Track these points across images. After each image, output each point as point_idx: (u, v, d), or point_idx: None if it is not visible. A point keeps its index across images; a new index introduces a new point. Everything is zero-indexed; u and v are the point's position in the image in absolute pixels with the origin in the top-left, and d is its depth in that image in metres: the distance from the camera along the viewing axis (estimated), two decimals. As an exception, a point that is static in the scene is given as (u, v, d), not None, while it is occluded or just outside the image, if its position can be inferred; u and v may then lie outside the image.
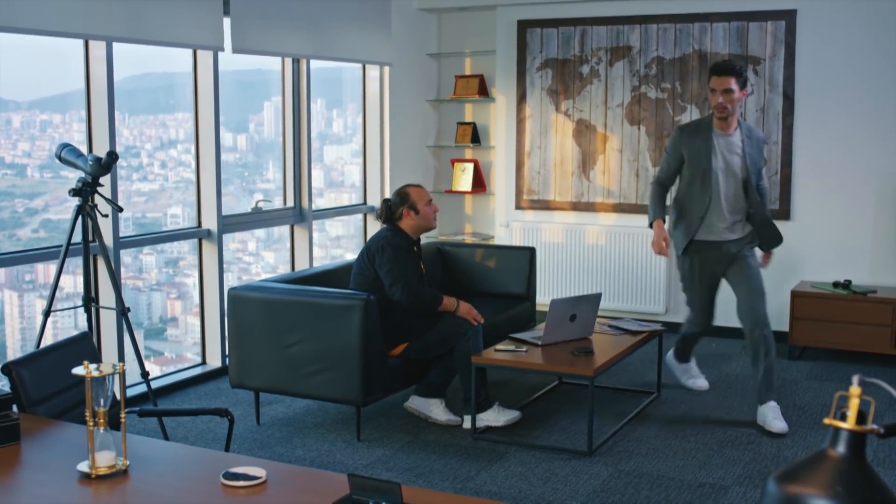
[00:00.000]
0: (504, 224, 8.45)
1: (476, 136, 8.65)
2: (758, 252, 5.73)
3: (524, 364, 5.29)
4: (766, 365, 5.46)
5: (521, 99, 8.26)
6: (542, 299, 7.59)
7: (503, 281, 6.77)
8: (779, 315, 7.37)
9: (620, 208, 8.00)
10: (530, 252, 6.79)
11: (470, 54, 8.62)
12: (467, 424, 5.41)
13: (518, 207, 8.40)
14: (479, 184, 8.65)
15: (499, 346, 5.45)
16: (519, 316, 6.51)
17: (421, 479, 4.73)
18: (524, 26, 8.22)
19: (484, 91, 8.54)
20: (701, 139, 5.48)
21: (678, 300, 7.83)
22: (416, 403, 5.64)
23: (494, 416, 5.43)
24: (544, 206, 8.30)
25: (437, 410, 5.57)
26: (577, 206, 8.17)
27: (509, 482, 4.72)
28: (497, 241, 8.44)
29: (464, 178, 8.63)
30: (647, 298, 7.85)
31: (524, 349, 5.40)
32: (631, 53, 7.86)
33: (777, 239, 5.65)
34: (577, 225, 8.12)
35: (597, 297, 5.73)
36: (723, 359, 7.04)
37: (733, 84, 5.34)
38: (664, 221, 5.62)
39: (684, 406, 5.93)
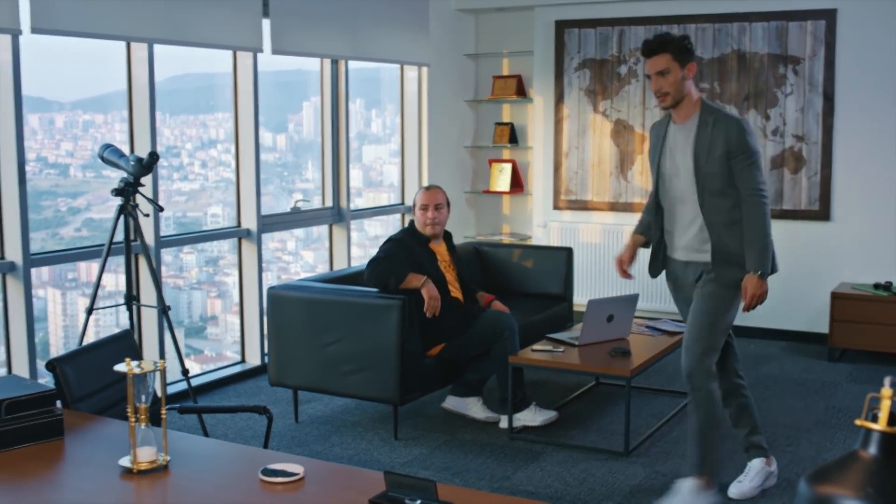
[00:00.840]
0: (542, 224, 8.45)
1: (514, 136, 8.65)
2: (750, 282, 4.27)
3: (561, 364, 5.29)
4: (693, 428, 4.43)
5: (559, 99, 8.26)
6: (580, 299, 7.57)
7: (540, 281, 6.78)
8: (819, 317, 7.32)
9: (658, 209, 7.97)
10: (567, 252, 6.79)
11: (508, 55, 8.63)
12: (504, 424, 5.43)
13: (556, 208, 8.39)
14: (517, 184, 8.65)
15: (536, 347, 5.46)
16: (556, 316, 6.52)
17: (457, 479, 4.75)
18: (562, 26, 8.21)
19: (522, 91, 8.55)
20: (658, 136, 4.50)
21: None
22: (453, 403, 5.66)
23: (531, 416, 5.44)
24: (582, 206, 8.29)
25: (475, 408, 5.60)
26: (615, 207, 8.15)
27: (546, 482, 4.73)
28: (534, 242, 8.44)
29: (501, 179, 8.64)
30: (684, 299, 7.80)
31: (561, 349, 5.41)
32: (669, 53, 7.83)
33: (758, 265, 4.23)
34: (614, 225, 8.10)
35: (634, 298, 5.72)
36: (761, 360, 7.00)
37: (669, 62, 4.26)
38: (642, 237, 4.77)
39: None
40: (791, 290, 7.46)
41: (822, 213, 7.37)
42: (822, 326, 7.19)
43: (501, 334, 5.40)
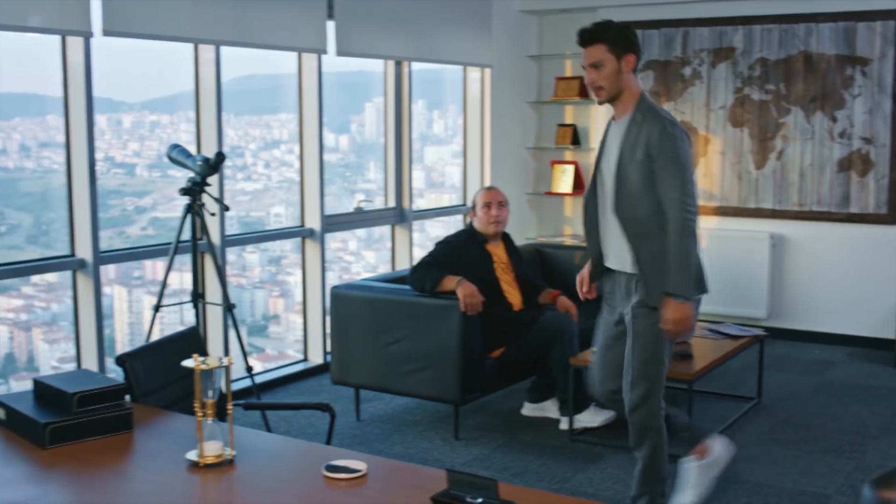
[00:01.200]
0: (603, 226, 8.40)
1: (576, 137, 8.63)
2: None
3: (622, 366, 5.26)
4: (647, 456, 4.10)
5: (622, 101, 8.22)
6: (641, 302, 7.53)
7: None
8: (885, 322, 7.21)
9: (722, 211, 7.91)
10: (629, 254, 6.74)
11: (570, 56, 8.60)
12: (564, 425, 5.42)
13: (617, 209, 8.34)
14: (579, 186, 8.62)
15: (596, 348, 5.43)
16: (617, 318, 6.48)
17: (517, 479, 4.76)
18: (626, 28, 8.17)
19: (584, 93, 8.51)
20: (604, 133, 4.12)
21: (781, 304, 7.72)
22: (530, 410, 5.67)
23: (590, 417, 5.43)
24: (644, 208, 8.24)
25: (552, 410, 5.61)
26: (678, 209, 8.08)
27: (606, 484, 4.72)
28: (596, 244, 8.39)
29: (563, 180, 8.62)
30: (748, 302, 7.73)
31: (622, 351, 5.38)
32: (734, 55, 7.76)
33: (675, 286, 3.81)
34: (677, 228, 8.04)
35: (696, 301, 5.67)
36: (826, 366, 6.90)
37: (604, 53, 3.91)
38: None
39: (786, 413, 5.84)
40: (857, 296, 7.36)
41: (889, 216, 7.25)
42: (889, 332, 7.08)
43: (561, 337, 5.39)
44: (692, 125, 7.95)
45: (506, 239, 5.86)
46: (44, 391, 2.93)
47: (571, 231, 8.80)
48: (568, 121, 8.74)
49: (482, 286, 5.33)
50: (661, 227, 3.82)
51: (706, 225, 7.94)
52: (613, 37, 3.92)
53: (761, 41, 7.64)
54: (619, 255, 3.97)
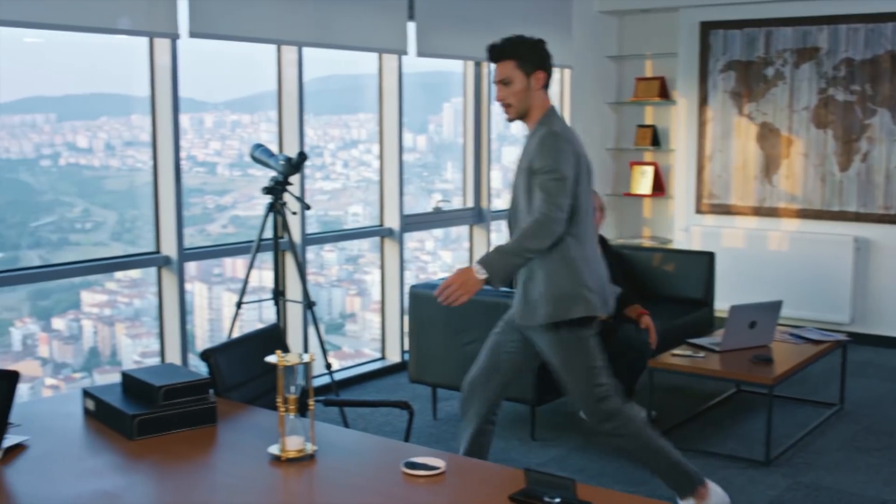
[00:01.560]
0: (683, 228, 8.34)
1: (656, 138, 8.57)
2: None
3: (701, 370, 5.22)
4: (642, 460, 4.13)
5: (703, 101, 8.14)
6: (721, 305, 7.44)
7: (681, 285, 6.69)
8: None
9: (804, 214, 7.78)
10: (709, 257, 6.68)
11: (651, 56, 8.55)
12: None
13: (698, 212, 8.27)
14: (659, 187, 8.56)
15: (675, 351, 5.40)
16: (696, 321, 6.42)
17: (593, 481, 4.74)
18: (707, 28, 8.09)
19: (665, 94, 8.45)
20: None
21: (865, 309, 7.58)
22: None
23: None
24: (725, 210, 8.15)
25: None
26: (759, 212, 7.99)
27: (683, 488, 4.68)
28: (676, 246, 8.34)
29: (643, 182, 8.57)
30: (830, 307, 7.59)
31: (701, 355, 5.33)
32: (818, 55, 7.63)
33: (487, 261, 3.73)
34: (758, 230, 7.94)
35: (777, 305, 5.60)
36: (912, 372, 6.76)
37: (513, 70, 3.80)
38: None
39: (869, 419, 5.73)
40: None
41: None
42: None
43: (635, 356, 5.32)
44: (774, 126, 7.84)
45: (602, 243, 5.71)
46: (131, 384, 3.00)
47: (650, 233, 8.73)
48: (648, 122, 8.68)
49: None
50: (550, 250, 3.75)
51: (787, 227, 7.83)
52: (524, 53, 3.81)
53: (847, 41, 7.50)
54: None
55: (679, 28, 8.25)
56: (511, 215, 3.93)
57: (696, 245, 8.12)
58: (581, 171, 3.81)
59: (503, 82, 3.80)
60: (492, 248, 3.78)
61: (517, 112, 3.85)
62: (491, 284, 3.72)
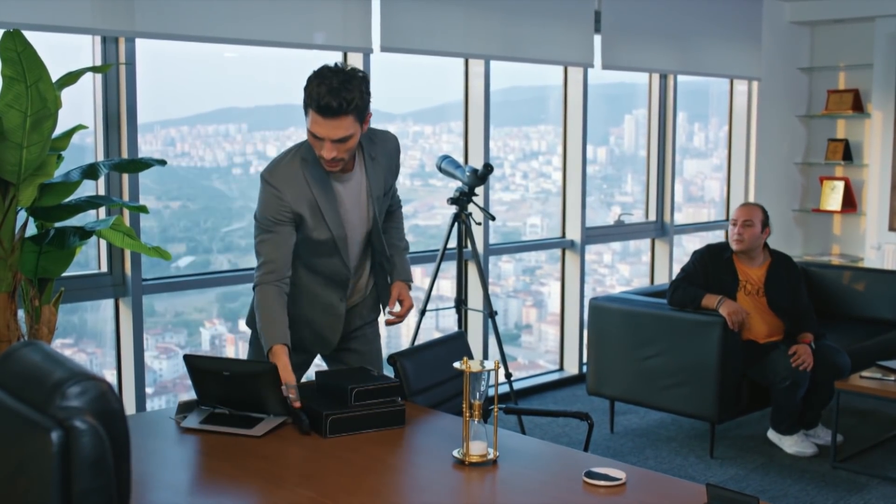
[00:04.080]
0: (875, 246, 8.04)
1: (848, 153, 8.29)
2: None
3: (891, 394, 5.03)
4: None
5: (900, 115, 7.84)
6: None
7: (872, 305, 6.45)
8: None
9: None
10: (904, 277, 6.43)
11: (844, 68, 8.28)
12: (808, 450, 5.27)
13: (892, 229, 7.95)
14: (849, 203, 8.28)
15: (864, 373, 5.22)
16: (888, 343, 6.18)
17: (776, 502, 4.64)
18: (906, 38, 7.79)
19: (858, 106, 8.18)
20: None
21: None
22: (770, 436, 5.50)
23: (791, 442, 5.29)
24: (921, 228, 7.82)
25: (786, 443, 5.38)
26: (959, 230, 7.63)
27: (871, 515, 4.53)
28: (867, 264, 8.04)
29: (833, 197, 8.30)
30: None
31: (892, 378, 5.14)
32: None
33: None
34: (957, 250, 7.59)
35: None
36: None
37: (352, 125, 3.13)
38: None
39: None
40: None
41: None
42: None
43: (785, 383, 5.17)
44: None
45: (777, 262, 5.53)
46: (326, 384, 3.14)
47: (840, 250, 8.45)
48: (840, 135, 8.41)
49: None
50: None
51: None
52: (362, 103, 3.14)
53: None
54: None
55: (875, 38, 7.96)
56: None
57: (889, 264, 7.82)
58: None
59: (342, 140, 3.14)
60: (398, 258, 3.62)
61: (345, 163, 3.25)
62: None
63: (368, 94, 3.17)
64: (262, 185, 3.30)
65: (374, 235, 3.44)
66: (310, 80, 3.14)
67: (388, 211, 3.59)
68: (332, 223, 3.29)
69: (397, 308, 3.57)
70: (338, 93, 3.06)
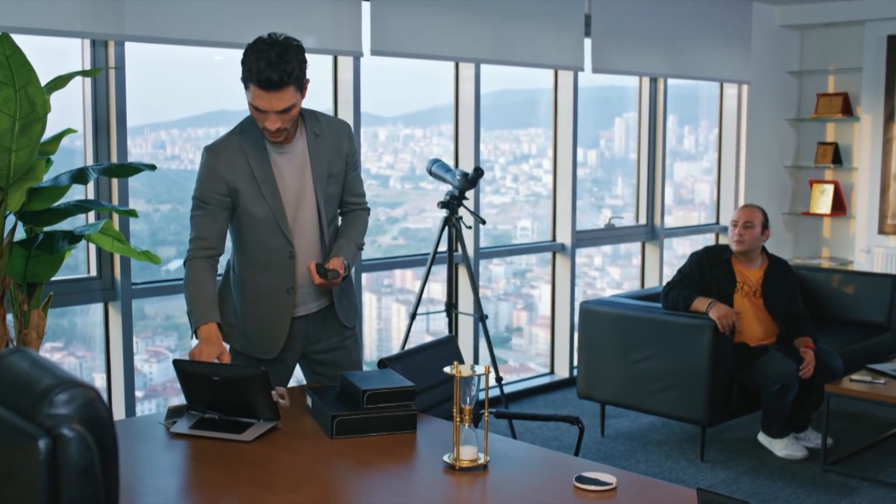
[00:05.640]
0: (865, 249, 8.06)
1: (837, 156, 8.31)
2: None
3: (881, 397, 5.04)
4: None
5: (889, 118, 7.85)
6: (904, 330, 7.18)
7: (862, 309, 6.47)
8: None
9: None
10: (892, 280, 6.44)
11: (834, 72, 8.31)
12: (799, 453, 5.27)
13: (881, 232, 7.98)
14: (839, 206, 8.30)
15: (854, 376, 5.23)
16: (877, 346, 6.20)
17: (766, 506, 4.65)
18: (894, 41, 7.80)
19: (848, 110, 8.20)
20: None
21: None
22: (760, 439, 5.51)
23: (781, 445, 5.30)
24: (910, 231, 7.84)
25: (776, 446, 5.39)
26: (948, 233, 7.65)
27: (861, 518, 4.54)
28: (856, 267, 8.06)
29: (822, 200, 8.33)
30: None
31: (882, 381, 5.15)
32: None
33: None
34: (946, 253, 7.61)
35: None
36: None
37: (294, 95, 3.18)
38: None
39: None
40: None
41: None
42: None
43: (777, 385, 5.17)
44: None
45: (774, 266, 5.54)
46: (346, 385, 3.15)
47: (829, 253, 8.47)
48: (829, 139, 8.43)
49: None
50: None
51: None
52: (301, 73, 3.19)
53: None
54: None
55: (864, 42, 7.98)
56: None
57: (878, 267, 7.84)
58: None
59: (285, 111, 3.18)
60: (345, 242, 3.54)
61: (288, 133, 3.31)
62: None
63: (305, 61, 3.21)
64: (201, 159, 3.37)
65: (324, 220, 3.42)
66: (246, 53, 3.18)
67: (349, 211, 3.60)
68: (267, 193, 3.31)
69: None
70: (277, 65, 3.10)
